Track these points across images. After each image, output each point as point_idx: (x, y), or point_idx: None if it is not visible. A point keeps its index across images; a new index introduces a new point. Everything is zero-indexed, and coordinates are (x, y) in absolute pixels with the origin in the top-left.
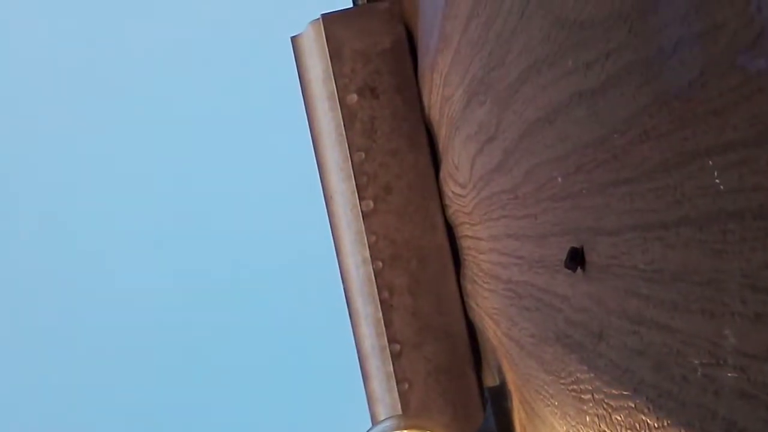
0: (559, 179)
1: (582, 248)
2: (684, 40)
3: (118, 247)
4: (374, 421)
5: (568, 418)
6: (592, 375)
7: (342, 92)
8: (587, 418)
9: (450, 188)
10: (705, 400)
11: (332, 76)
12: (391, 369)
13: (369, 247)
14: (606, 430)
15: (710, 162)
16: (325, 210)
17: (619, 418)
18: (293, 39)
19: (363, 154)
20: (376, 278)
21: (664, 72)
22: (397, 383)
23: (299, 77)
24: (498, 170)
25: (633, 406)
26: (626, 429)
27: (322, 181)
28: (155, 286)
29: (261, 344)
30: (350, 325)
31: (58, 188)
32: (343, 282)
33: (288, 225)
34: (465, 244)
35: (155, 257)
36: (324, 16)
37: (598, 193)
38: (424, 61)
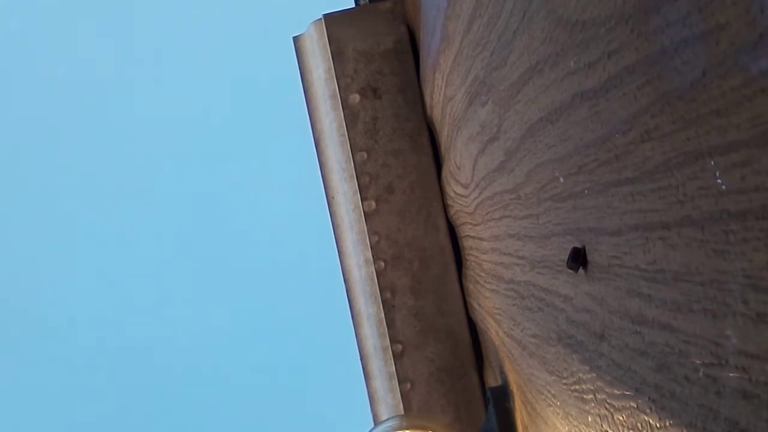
0: (561, 179)
1: (584, 248)
2: (686, 41)
3: (120, 259)
4: (376, 422)
5: (570, 419)
6: (593, 375)
7: (344, 92)
8: (589, 419)
9: (452, 188)
10: (707, 400)
11: (334, 76)
12: (393, 369)
13: (371, 247)
14: (608, 430)
15: (712, 162)
16: (327, 210)
17: (621, 418)
18: (295, 39)
19: (365, 154)
20: (378, 278)
21: (666, 72)
22: (399, 383)
23: (301, 77)
24: (500, 170)
25: (635, 406)
26: (628, 429)
27: (324, 182)
28: (157, 287)
29: (262, 344)
30: (352, 325)
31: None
32: (345, 282)
33: (289, 225)
34: (467, 244)
35: (155, 258)
36: (326, 16)
37: (600, 193)
38: (426, 62)
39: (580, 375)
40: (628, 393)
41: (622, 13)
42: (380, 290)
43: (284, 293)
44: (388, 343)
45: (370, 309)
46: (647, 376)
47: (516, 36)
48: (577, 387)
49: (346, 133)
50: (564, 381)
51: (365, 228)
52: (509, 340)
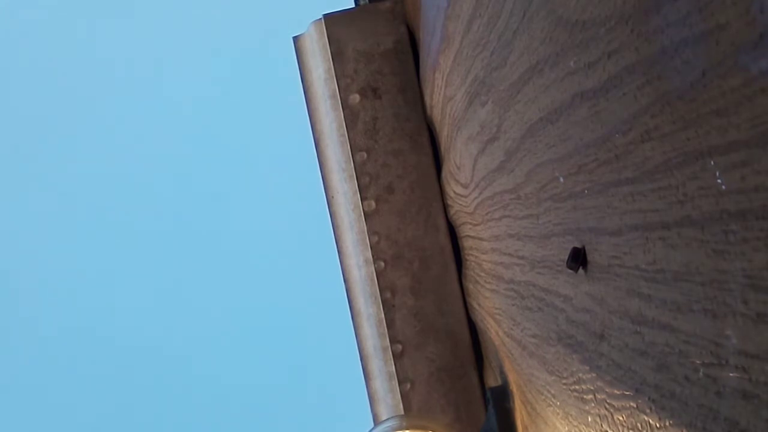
0: (561, 179)
1: (584, 248)
2: (686, 41)
3: (119, 257)
4: (376, 422)
5: (570, 419)
6: (593, 375)
7: (344, 92)
8: (589, 419)
9: (452, 188)
10: (707, 400)
11: (334, 76)
12: (393, 369)
13: (371, 247)
14: (608, 430)
15: (712, 162)
16: (327, 210)
17: (621, 418)
18: (295, 39)
19: (365, 154)
20: (378, 278)
21: (666, 72)
22: (399, 383)
23: (301, 77)
24: (500, 170)
25: (635, 406)
26: (628, 429)
27: (323, 181)
28: (156, 287)
29: (262, 344)
30: (352, 325)
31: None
32: (345, 282)
33: (289, 225)
34: (467, 244)
35: (155, 257)
36: (326, 16)
37: (600, 193)
38: (426, 62)
39: (580, 375)
40: (628, 393)
41: (622, 13)
42: (380, 290)
43: (284, 293)
44: (388, 343)
45: (370, 309)
46: (647, 376)
47: (516, 36)
48: (577, 387)
49: (346, 133)
50: (564, 381)
51: (365, 228)
52: (509, 340)
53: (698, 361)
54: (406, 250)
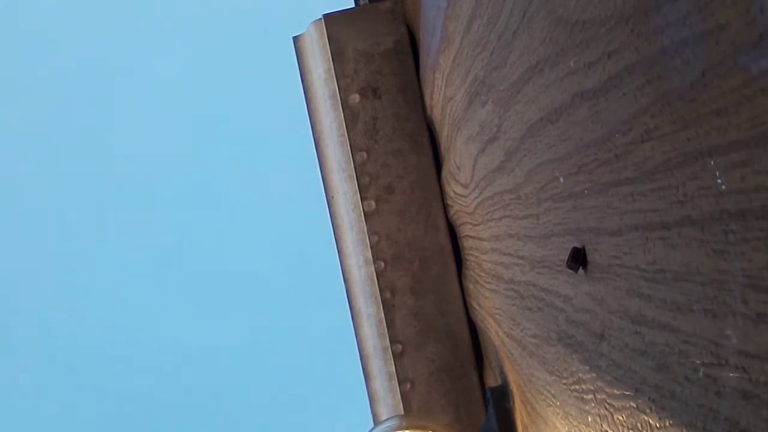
0: (561, 179)
1: (584, 248)
2: (686, 41)
3: (117, 259)
4: (376, 422)
5: (570, 419)
6: (593, 375)
7: (344, 92)
8: (589, 419)
9: (452, 188)
10: (707, 400)
11: (334, 76)
12: (393, 369)
13: (371, 247)
14: (608, 430)
15: (712, 162)
16: (327, 210)
17: (621, 418)
18: (295, 39)
19: (365, 154)
20: (378, 278)
21: (666, 72)
22: (399, 383)
23: (301, 77)
24: (500, 170)
25: (635, 406)
26: (628, 429)
27: (323, 182)
28: (155, 287)
29: (262, 345)
30: (352, 325)
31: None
32: (345, 282)
33: (289, 225)
34: (467, 244)
35: (154, 257)
36: (326, 16)
37: (600, 193)
38: (426, 62)
39: (580, 375)
40: (628, 393)
41: (622, 13)
42: (380, 290)
43: (284, 293)
44: (388, 343)
45: (370, 309)
46: (647, 376)
47: (516, 36)
48: (577, 387)
49: (346, 133)
50: (564, 381)
51: (365, 228)
52: (509, 340)
53: (698, 361)
54: (406, 250)
